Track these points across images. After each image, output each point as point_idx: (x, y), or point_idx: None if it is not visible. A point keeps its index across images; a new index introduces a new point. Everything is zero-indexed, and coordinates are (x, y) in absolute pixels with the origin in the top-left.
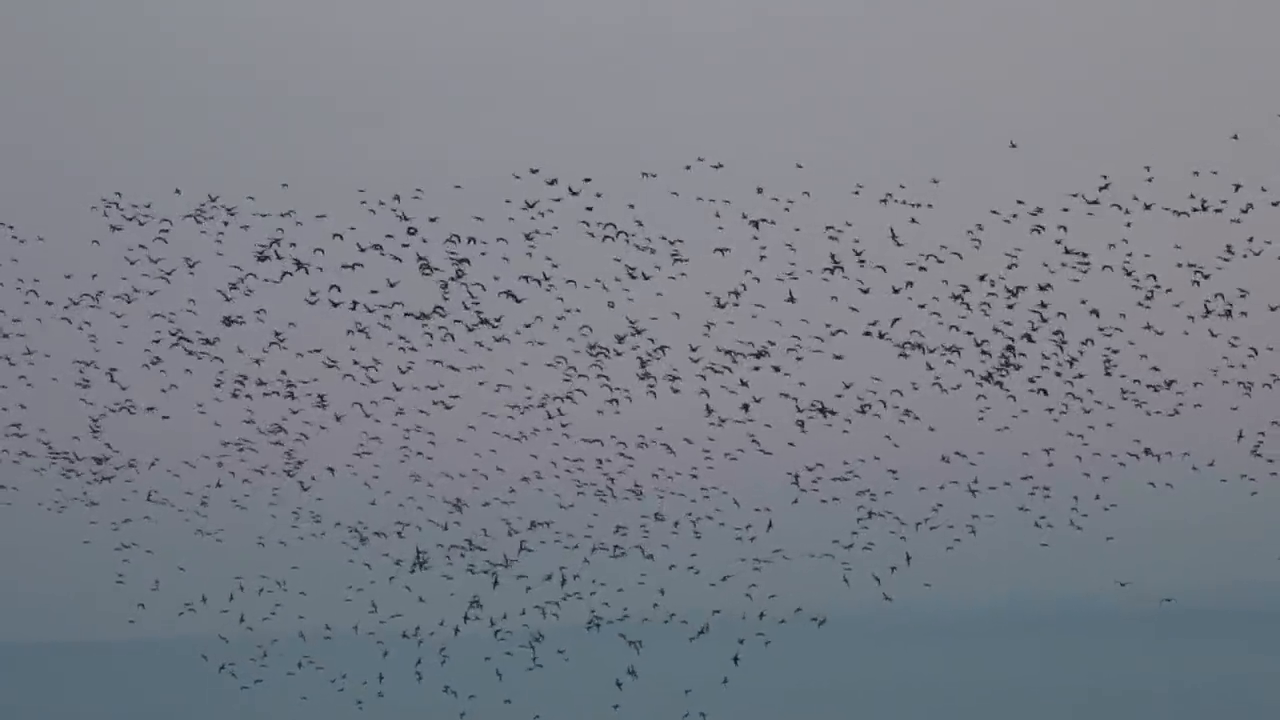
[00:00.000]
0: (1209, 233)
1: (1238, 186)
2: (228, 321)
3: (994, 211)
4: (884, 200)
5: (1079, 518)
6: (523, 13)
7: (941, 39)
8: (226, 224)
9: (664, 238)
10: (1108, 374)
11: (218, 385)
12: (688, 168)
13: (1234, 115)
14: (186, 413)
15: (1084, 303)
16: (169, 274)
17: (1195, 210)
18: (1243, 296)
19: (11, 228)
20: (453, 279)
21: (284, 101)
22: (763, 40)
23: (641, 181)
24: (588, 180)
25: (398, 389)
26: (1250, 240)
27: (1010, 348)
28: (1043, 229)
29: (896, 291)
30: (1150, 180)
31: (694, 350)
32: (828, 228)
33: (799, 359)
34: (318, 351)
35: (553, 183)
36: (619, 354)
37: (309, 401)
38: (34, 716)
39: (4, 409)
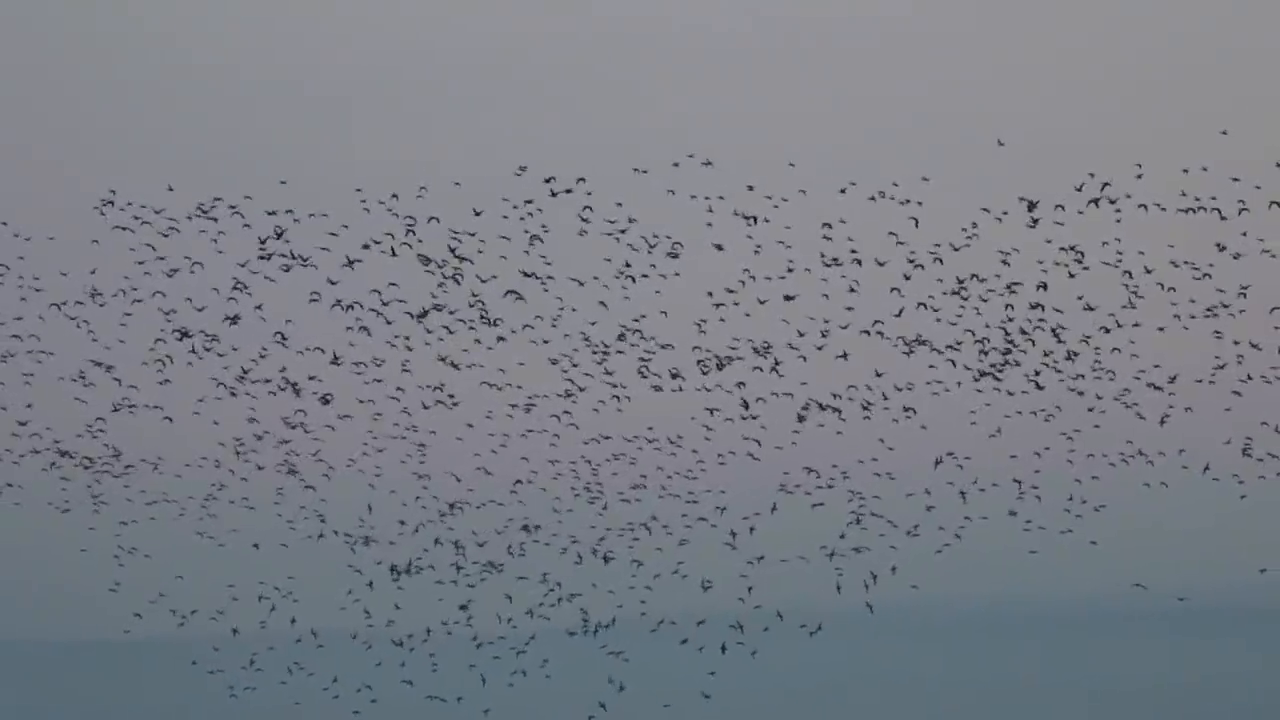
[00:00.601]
0: (1204, 231)
1: (1236, 179)
2: (230, 319)
3: (984, 209)
4: (872, 199)
5: (1071, 519)
6: (524, 11)
7: (939, 37)
8: (218, 220)
9: (657, 235)
10: (1096, 376)
11: (220, 384)
12: (675, 164)
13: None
14: (188, 411)
15: (1080, 298)
16: (174, 272)
17: (1189, 209)
18: (1242, 294)
19: (5, 224)
20: (450, 278)
21: (283, 99)
22: (761, 40)
23: (639, 181)
24: (582, 179)
25: (401, 390)
26: (1244, 235)
27: (1010, 342)
28: (1037, 222)
29: (895, 290)
30: (1140, 178)
31: (695, 349)
32: (824, 224)
33: (803, 357)
34: (319, 350)
35: (549, 180)
36: (621, 353)
37: (312, 400)
38: (30, 716)
39: (3, 408)
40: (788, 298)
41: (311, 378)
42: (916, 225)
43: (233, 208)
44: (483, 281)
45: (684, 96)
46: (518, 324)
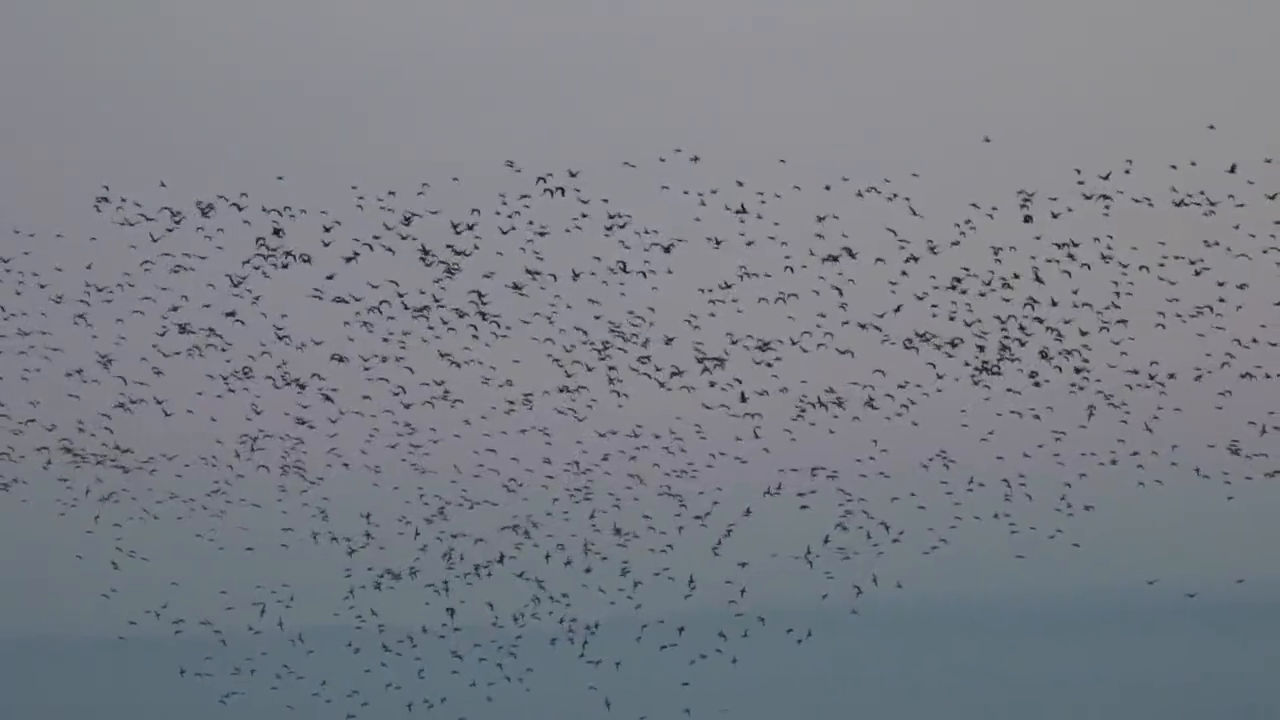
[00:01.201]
0: (1193, 227)
1: (1233, 167)
2: (230, 315)
3: (973, 204)
4: (860, 194)
5: (1062, 519)
6: (524, 11)
7: (935, 34)
8: (216, 216)
9: (649, 229)
10: (1085, 377)
11: (223, 379)
12: (662, 160)
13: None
14: (190, 408)
15: (1075, 292)
16: (180, 267)
17: (1182, 202)
18: (1241, 288)
19: (16, 230)
20: (447, 274)
21: (282, 97)
22: (760, 40)
23: (636, 180)
24: (574, 174)
25: (403, 389)
26: (1236, 227)
27: (1006, 338)
28: (1031, 219)
29: (893, 284)
30: (1127, 173)
31: (695, 345)
32: (819, 218)
33: (805, 351)
34: (320, 344)
35: (543, 179)
36: (622, 350)
37: (312, 397)
38: (28, 714)
39: (2, 404)
40: (780, 296)
41: (315, 375)
42: (915, 213)
43: (234, 204)
44: (486, 278)
45: (680, 94)
46: (515, 320)
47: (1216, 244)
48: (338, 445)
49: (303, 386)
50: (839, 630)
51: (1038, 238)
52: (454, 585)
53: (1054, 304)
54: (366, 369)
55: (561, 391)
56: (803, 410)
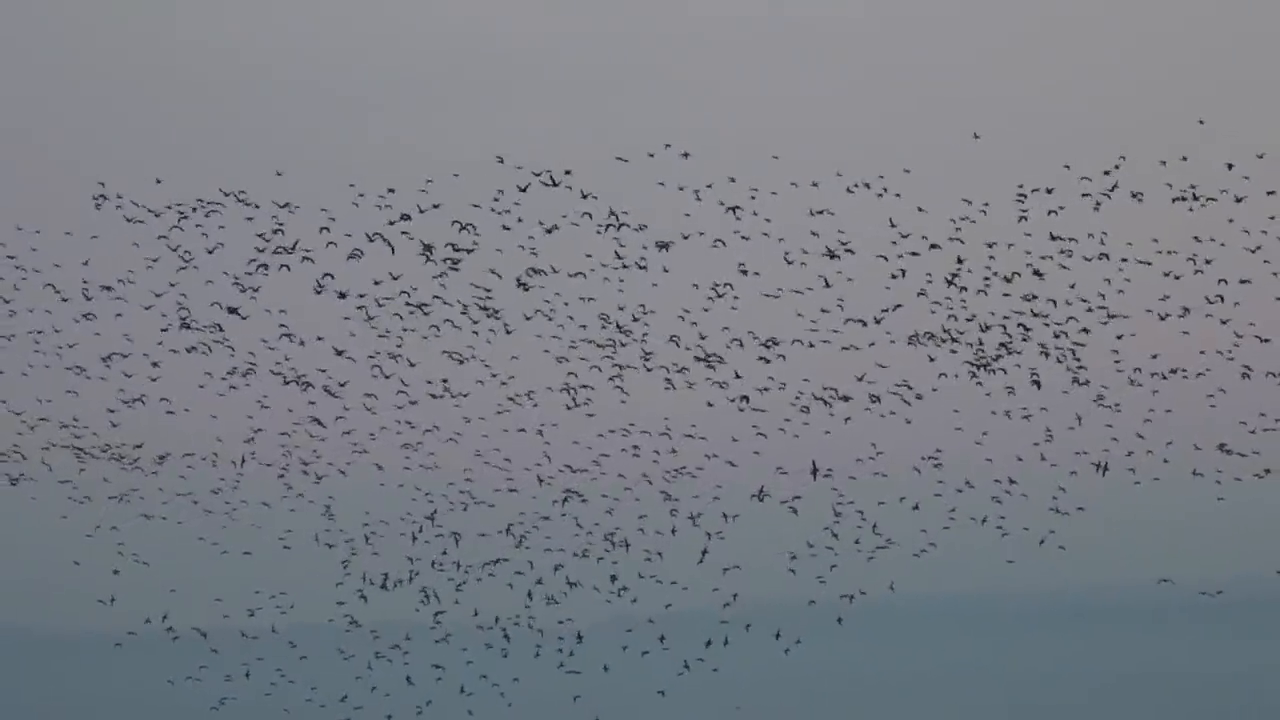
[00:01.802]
0: (1186, 223)
1: (1231, 165)
2: (232, 311)
3: (965, 200)
4: (850, 190)
5: (1055, 518)
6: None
7: (929, 34)
8: (221, 212)
9: (643, 225)
10: (1079, 380)
11: (224, 377)
12: (650, 155)
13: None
14: (194, 405)
15: (1072, 286)
16: (188, 261)
17: (1182, 198)
18: (1244, 283)
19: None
20: (453, 268)
21: (284, 96)
22: (763, 36)
23: (630, 177)
24: (568, 172)
25: (406, 384)
26: (1231, 221)
27: (1006, 335)
28: (1027, 215)
29: (894, 278)
30: (1117, 168)
31: (699, 341)
32: (817, 211)
33: (811, 347)
34: (321, 339)
35: (540, 175)
36: (624, 345)
37: (306, 398)
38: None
39: (3, 402)
40: (775, 294)
41: (322, 370)
42: (922, 210)
43: (242, 200)
44: (496, 276)
45: (677, 93)
46: (517, 317)
47: (1212, 240)
48: (341, 443)
49: (310, 385)
50: (827, 634)
51: (1028, 234)
52: (448, 590)
53: (1053, 302)
54: (374, 363)
55: (564, 390)
56: (805, 407)
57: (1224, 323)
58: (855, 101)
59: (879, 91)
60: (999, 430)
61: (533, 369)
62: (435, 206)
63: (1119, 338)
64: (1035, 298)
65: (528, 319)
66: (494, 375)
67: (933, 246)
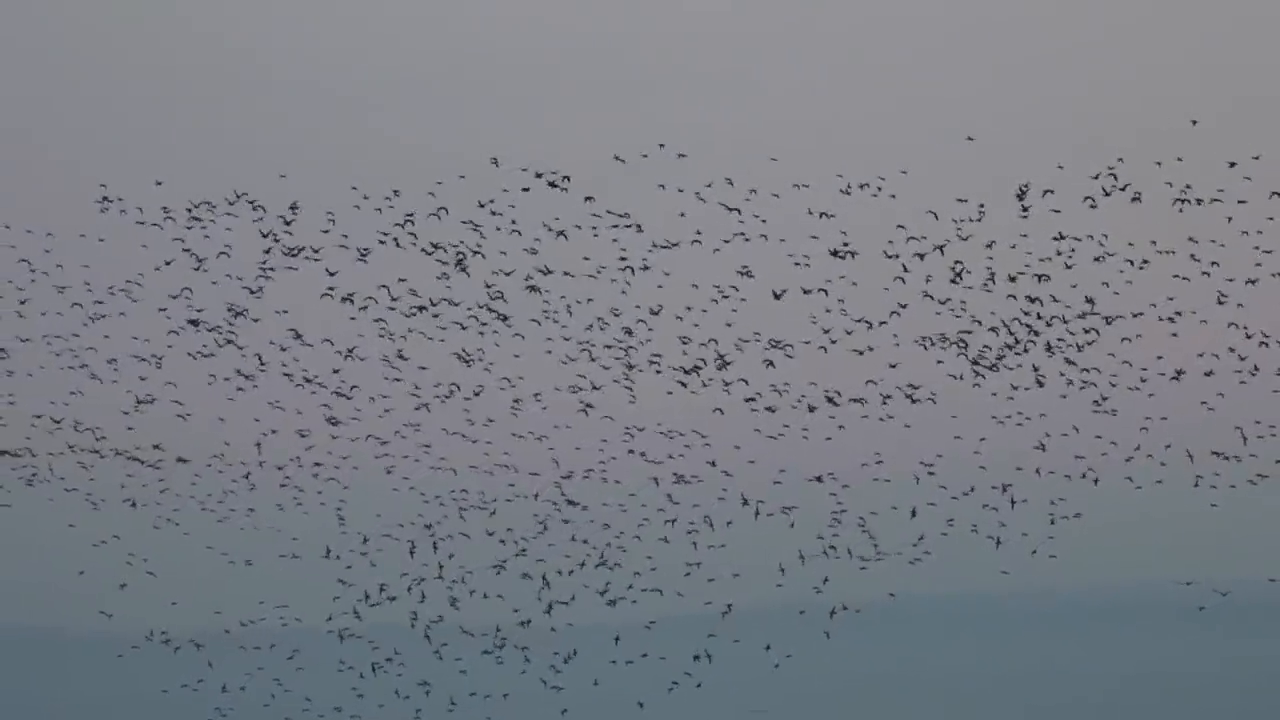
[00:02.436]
0: (1182, 224)
1: (1234, 163)
2: (238, 314)
3: (960, 199)
4: (844, 191)
5: (1054, 526)
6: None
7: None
8: (231, 214)
9: (637, 225)
10: (1079, 383)
11: (227, 378)
12: (645, 156)
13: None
14: (205, 408)
15: (1075, 286)
16: (201, 264)
17: (1188, 199)
18: (1252, 283)
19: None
20: (462, 271)
21: (288, 94)
22: (747, 31)
23: (628, 179)
24: (567, 178)
25: (418, 388)
26: (1229, 220)
27: (1013, 336)
28: (1027, 211)
29: (899, 278)
30: (1113, 172)
31: (702, 343)
32: (823, 214)
33: (822, 347)
34: (328, 342)
35: (539, 176)
36: (632, 348)
37: (316, 401)
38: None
39: (11, 403)
40: (776, 295)
41: (335, 371)
42: (933, 212)
43: (251, 202)
44: (506, 274)
45: (673, 91)
46: (524, 319)
47: (1213, 241)
48: (353, 447)
49: (323, 385)
50: (819, 640)
51: (1024, 235)
52: (453, 597)
53: (1054, 297)
54: (386, 361)
55: (573, 391)
56: (812, 406)
57: (1234, 325)
58: (857, 101)
59: (880, 90)
60: (999, 435)
61: (540, 371)
62: (444, 210)
63: (1125, 340)
64: (1038, 300)
65: (536, 323)
66: (505, 378)
67: (938, 248)
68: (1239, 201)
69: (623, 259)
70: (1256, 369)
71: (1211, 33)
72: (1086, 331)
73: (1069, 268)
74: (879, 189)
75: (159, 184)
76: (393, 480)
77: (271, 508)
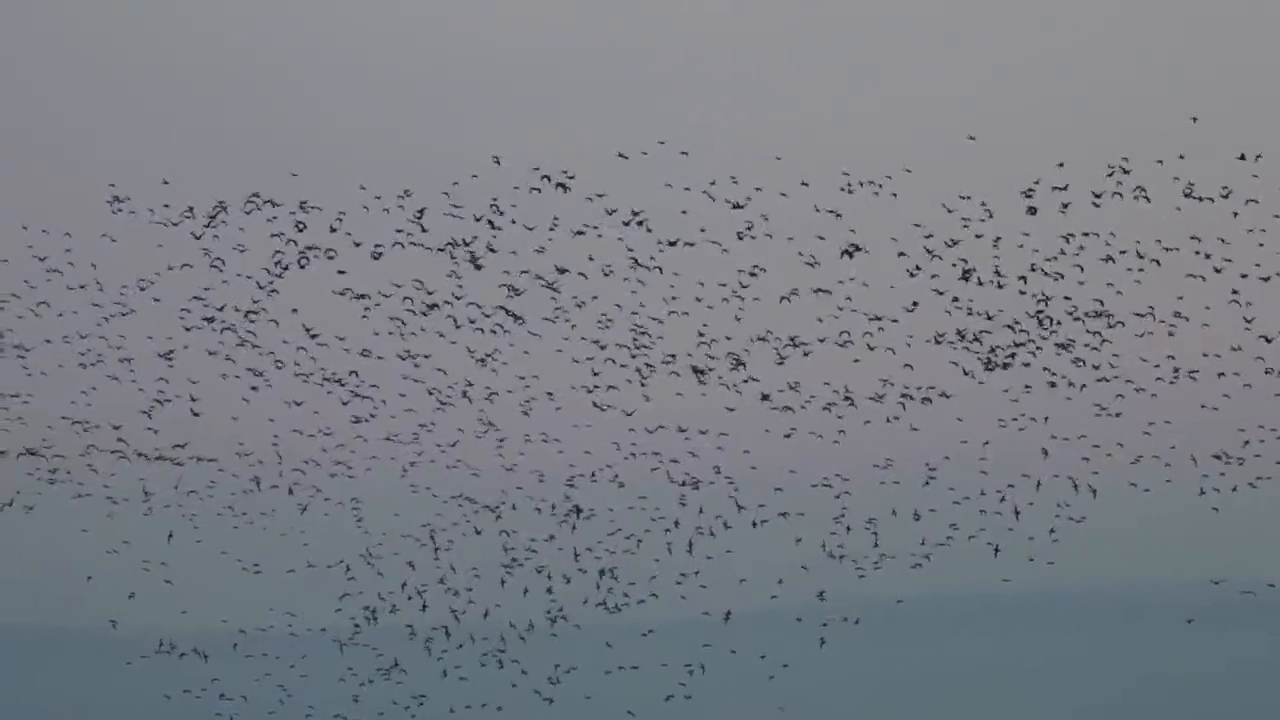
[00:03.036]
0: (1181, 222)
1: (1244, 156)
2: (252, 313)
3: (963, 196)
4: (845, 188)
5: (1062, 525)
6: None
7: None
8: (224, 223)
9: (650, 226)
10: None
11: (238, 377)
12: (644, 154)
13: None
14: (220, 408)
15: (1081, 283)
16: (217, 262)
17: (1193, 196)
18: (1265, 280)
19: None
20: (476, 268)
21: (292, 92)
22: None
23: (634, 177)
24: (572, 177)
25: (437, 390)
26: (1235, 214)
27: (1025, 334)
28: (1035, 210)
29: (912, 275)
30: (1111, 175)
31: (716, 342)
32: (831, 211)
33: (843, 345)
34: (341, 339)
35: (546, 178)
36: (646, 347)
37: (333, 401)
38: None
39: (25, 402)
40: (785, 296)
41: (353, 372)
42: (950, 210)
43: (269, 200)
44: (522, 274)
45: (674, 91)
46: (538, 318)
47: (1221, 240)
48: (366, 447)
49: (341, 383)
50: (816, 647)
51: (1026, 234)
52: (452, 608)
53: (1069, 299)
54: (406, 360)
55: (590, 390)
56: (829, 405)
57: (1249, 323)
58: (857, 101)
59: (879, 90)
60: (1001, 437)
61: (553, 370)
62: (457, 207)
63: (1139, 336)
64: (1049, 298)
65: (550, 321)
66: (520, 378)
67: (950, 243)
68: (1249, 200)
69: (632, 257)
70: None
71: (1210, 33)
72: (1094, 333)
73: (1079, 267)
74: (880, 187)
75: (165, 183)
76: (406, 483)
77: (286, 510)
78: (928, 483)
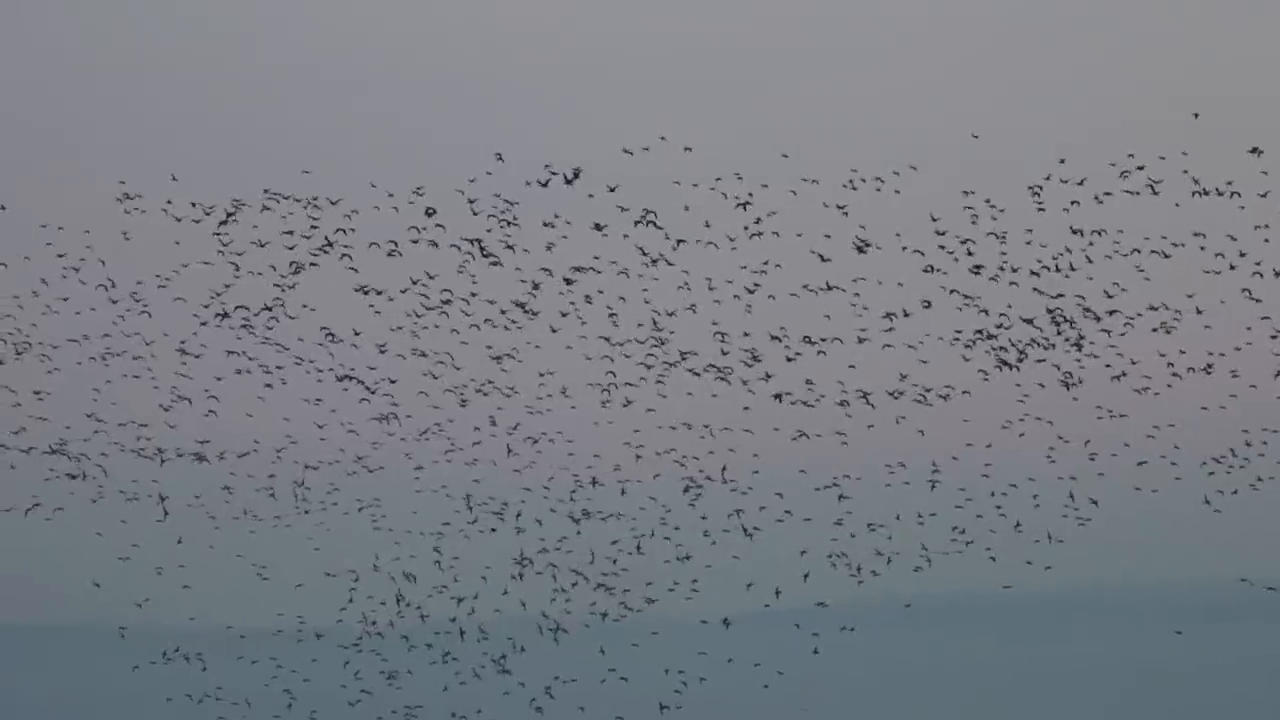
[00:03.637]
0: (1182, 220)
1: (1255, 149)
2: (267, 309)
3: (966, 191)
4: (847, 184)
5: (1068, 526)
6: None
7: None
8: (236, 220)
9: (659, 224)
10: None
11: (250, 373)
12: (646, 149)
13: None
14: (234, 405)
15: (1091, 279)
16: (237, 258)
17: (1203, 192)
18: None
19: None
20: (493, 264)
21: (297, 89)
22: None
23: (640, 175)
24: (579, 171)
25: (456, 387)
26: (1242, 209)
27: (1039, 331)
28: (1043, 208)
29: (928, 271)
30: (1116, 168)
31: (726, 340)
32: (839, 207)
33: (861, 347)
34: (357, 334)
35: (553, 174)
36: (659, 343)
37: (352, 398)
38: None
39: (40, 400)
40: (797, 293)
41: (374, 369)
42: (971, 208)
43: (278, 195)
44: (545, 272)
45: (675, 90)
46: (554, 315)
47: (1230, 237)
48: (392, 447)
49: (359, 380)
50: (815, 651)
51: (1030, 229)
52: (454, 617)
53: (1082, 298)
54: (422, 355)
55: (603, 390)
56: (844, 401)
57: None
58: (859, 100)
59: (880, 89)
60: (1002, 438)
61: (569, 367)
62: (471, 202)
63: (1153, 330)
64: (1062, 295)
65: (563, 315)
66: (538, 374)
67: (964, 242)
68: (1261, 194)
69: (643, 254)
70: None
71: (1211, 32)
72: (1106, 331)
73: (1089, 261)
74: (882, 184)
75: (174, 179)
76: (419, 483)
77: (298, 511)
78: (933, 486)
